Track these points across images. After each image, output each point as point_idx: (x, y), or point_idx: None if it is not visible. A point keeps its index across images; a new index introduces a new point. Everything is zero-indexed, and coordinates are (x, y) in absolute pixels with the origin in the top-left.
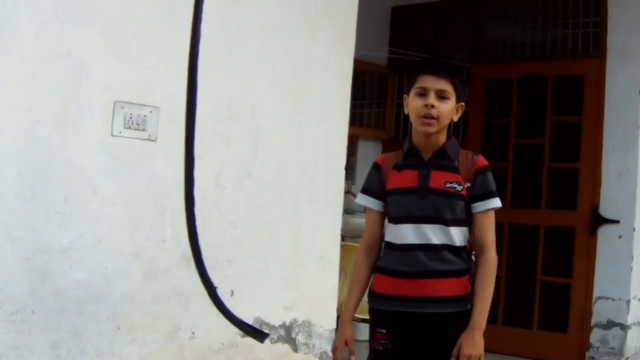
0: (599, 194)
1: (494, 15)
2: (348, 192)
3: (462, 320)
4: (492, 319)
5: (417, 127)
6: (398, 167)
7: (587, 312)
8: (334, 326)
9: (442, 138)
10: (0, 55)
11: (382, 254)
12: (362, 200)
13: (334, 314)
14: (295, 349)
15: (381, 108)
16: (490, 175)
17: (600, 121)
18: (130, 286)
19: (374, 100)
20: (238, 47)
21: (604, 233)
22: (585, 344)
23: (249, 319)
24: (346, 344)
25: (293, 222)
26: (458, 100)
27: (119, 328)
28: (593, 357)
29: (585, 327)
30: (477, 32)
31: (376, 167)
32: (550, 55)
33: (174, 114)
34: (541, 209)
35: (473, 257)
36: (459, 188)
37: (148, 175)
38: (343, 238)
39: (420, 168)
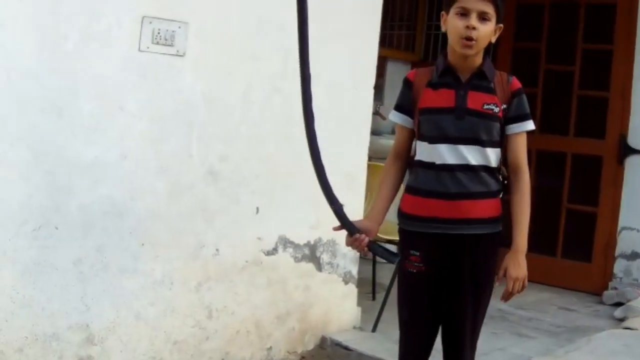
0: (627, 124)
1: None
2: (376, 113)
3: (495, 241)
4: None
5: (457, 48)
6: (433, 86)
7: (612, 242)
8: None
9: (479, 59)
10: None
11: (411, 173)
12: (395, 117)
13: None
14: (319, 268)
15: (411, 30)
16: (524, 98)
17: (631, 50)
18: (155, 202)
19: (404, 21)
20: None
21: (632, 163)
22: (608, 274)
23: (273, 237)
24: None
25: (320, 140)
26: (498, 21)
27: (142, 244)
28: (616, 288)
29: (609, 257)
30: None
31: (407, 83)
32: None
33: (202, 30)
34: (569, 136)
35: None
36: (496, 110)
37: (175, 91)
38: (370, 158)
39: (458, 88)
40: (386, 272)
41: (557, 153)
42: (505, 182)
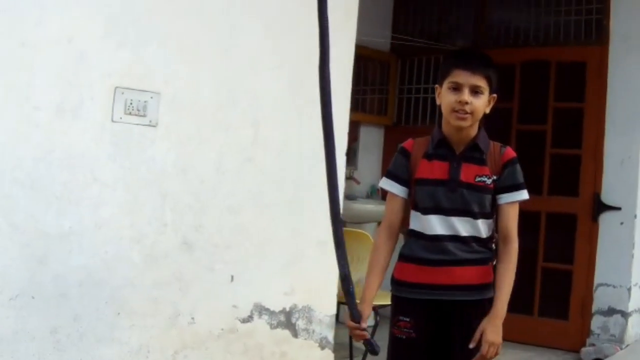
0: (600, 181)
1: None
2: (350, 177)
3: (485, 307)
4: None
5: (451, 121)
6: (429, 157)
7: (588, 299)
8: (334, 312)
9: (473, 131)
10: (1, 41)
11: (405, 242)
12: (387, 184)
13: (334, 300)
14: (295, 334)
15: (384, 94)
16: (518, 167)
17: (602, 108)
18: (131, 271)
19: (377, 86)
20: (240, 34)
21: (606, 220)
22: (586, 331)
23: (249, 305)
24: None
25: (293, 208)
26: (491, 92)
27: (118, 313)
28: (594, 344)
29: (586, 314)
30: (480, 16)
31: (404, 152)
32: (553, 41)
33: (174, 100)
34: (543, 195)
35: (494, 245)
36: (488, 182)
37: (148, 161)
38: (344, 224)
39: (451, 160)
40: (378, 336)
41: (531, 212)
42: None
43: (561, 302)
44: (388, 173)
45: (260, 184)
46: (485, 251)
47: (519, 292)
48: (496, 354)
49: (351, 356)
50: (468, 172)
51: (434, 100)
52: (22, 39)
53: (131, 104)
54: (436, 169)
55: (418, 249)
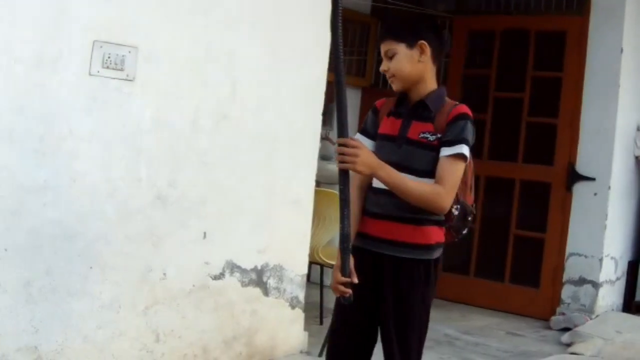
0: (575, 151)
1: None
2: (325, 138)
3: (423, 268)
4: (464, 270)
5: None
6: (389, 114)
7: (560, 268)
8: (305, 271)
9: (427, 87)
10: None
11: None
12: (359, 138)
13: (306, 259)
14: (266, 292)
15: (362, 56)
16: (462, 124)
17: (580, 78)
18: (104, 226)
19: (356, 47)
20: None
21: (580, 190)
22: (556, 300)
23: (221, 261)
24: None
25: (268, 166)
26: (410, 44)
27: (91, 267)
28: (564, 313)
29: (557, 283)
30: None
31: (374, 110)
32: (534, 9)
33: (152, 55)
34: (518, 162)
35: (455, 212)
36: (431, 138)
37: (125, 115)
38: (318, 184)
39: (404, 117)
40: (333, 296)
41: (506, 179)
42: (458, 212)
43: (532, 270)
44: (361, 129)
45: (236, 142)
46: (423, 211)
47: (491, 259)
48: (343, 166)
49: (321, 316)
50: (415, 129)
51: None
52: None
53: (109, 57)
54: (391, 125)
55: (369, 202)
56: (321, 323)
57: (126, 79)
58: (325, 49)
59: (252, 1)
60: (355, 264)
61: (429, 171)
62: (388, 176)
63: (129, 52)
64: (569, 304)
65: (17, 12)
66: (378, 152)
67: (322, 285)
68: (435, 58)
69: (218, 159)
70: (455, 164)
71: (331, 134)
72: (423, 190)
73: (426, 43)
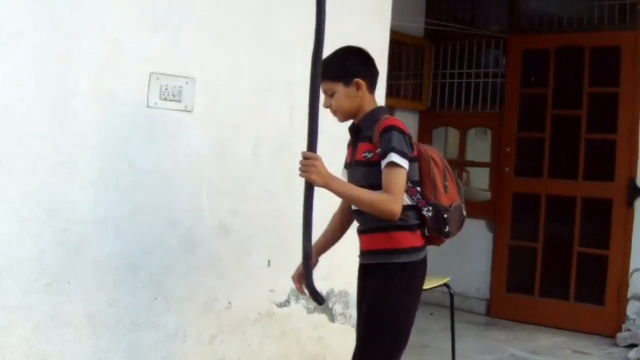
0: (636, 166)
1: None
2: None
3: (389, 271)
4: (529, 290)
5: None
6: (348, 144)
7: (624, 284)
8: None
9: (364, 112)
10: (35, 29)
11: None
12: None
13: None
14: (332, 319)
15: (418, 79)
16: (387, 136)
17: (637, 92)
18: (167, 256)
19: (411, 71)
20: (276, 19)
21: None
22: (621, 316)
23: (286, 289)
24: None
25: (329, 193)
26: (346, 82)
27: (155, 298)
28: (629, 329)
29: (622, 299)
30: (514, 2)
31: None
32: (587, 26)
33: (209, 85)
34: (578, 180)
35: (428, 213)
36: (369, 156)
37: (184, 146)
38: None
39: (353, 143)
40: None
41: (567, 197)
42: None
43: (597, 287)
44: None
45: (296, 169)
46: (383, 220)
47: (555, 278)
48: (302, 175)
49: None
50: (360, 150)
51: (468, 85)
52: (57, 25)
53: (166, 89)
54: (348, 154)
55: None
56: None
57: (184, 110)
58: (383, 67)
59: (306, 29)
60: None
61: (378, 184)
62: (340, 187)
63: (186, 83)
64: (634, 319)
65: (72, 45)
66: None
67: None
68: (371, 86)
69: (279, 187)
70: (391, 171)
71: None
72: (372, 198)
73: (360, 79)
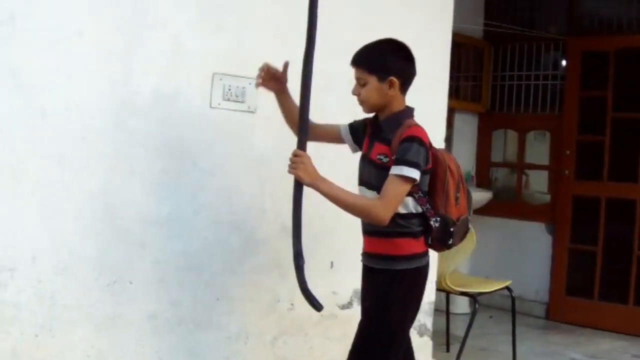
0: None
1: None
2: None
3: (388, 278)
4: (588, 294)
5: None
6: (368, 134)
7: None
8: (433, 299)
9: (391, 111)
10: (97, 29)
11: None
12: (343, 126)
13: (433, 286)
14: None
15: (477, 81)
16: (407, 146)
17: None
18: (230, 257)
19: (470, 73)
20: (338, 18)
21: None
22: None
23: (348, 290)
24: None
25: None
26: (380, 77)
27: (217, 299)
28: None
29: None
30: (573, 3)
31: (365, 123)
32: None
33: None
34: (638, 183)
35: (435, 224)
36: (385, 160)
37: (247, 147)
38: None
39: (370, 138)
40: (460, 323)
41: (626, 200)
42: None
43: None
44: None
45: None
46: (393, 225)
47: (614, 281)
48: (290, 172)
49: (447, 343)
50: (376, 150)
51: (528, 87)
52: (118, 24)
53: (229, 89)
54: (365, 145)
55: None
56: (447, 350)
57: (247, 111)
58: (444, 72)
59: (370, 27)
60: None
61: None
62: (328, 188)
63: (249, 83)
64: None
65: (134, 44)
66: (358, 170)
67: (448, 313)
68: (404, 86)
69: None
70: (396, 181)
71: None
72: (361, 203)
73: (395, 78)
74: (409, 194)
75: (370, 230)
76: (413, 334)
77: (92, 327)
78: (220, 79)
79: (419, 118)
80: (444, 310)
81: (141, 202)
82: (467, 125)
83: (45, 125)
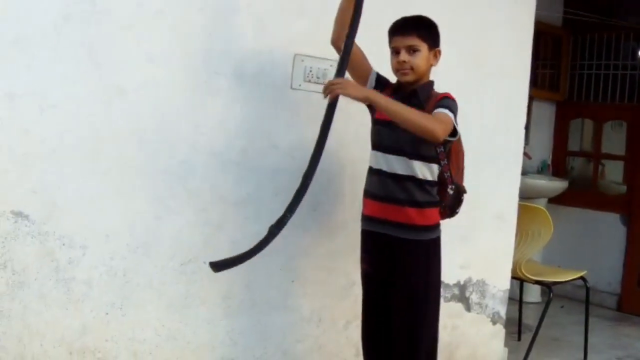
0: None
1: None
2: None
3: (424, 247)
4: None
5: (398, 77)
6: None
7: None
8: (508, 287)
9: (423, 81)
10: (178, 7)
11: (366, 178)
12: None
13: (509, 275)
14: (468, 308)
15: (555, 69)
16: (448, 101)
17: None
18: (306, 240)
19: (549, 61)
20: (418, 9)
21: None
22: None
23: None
24: None
25: (472, 181)
26: (431, 47)
27: (292, 281)
28: None
29: None
30: None
31: (385, 82)
32: None
33: None
34: None
35: (450, 191)
36: None
37: None
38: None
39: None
40: (532, 312)
41: None
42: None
43: None
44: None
45: None
46: (421, 193)
47: None
48: (333, 93)
49: (519, 332)
50: None
51: (606, 77)
52: (200, 4)
53: (310, 71)
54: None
55: (371, 184)
56: (519, 339)
57: None
58: (526, 60)
59: (451, 14)
60: (363, 247)
61: (418, 154)
62: (386, 101)
63: (331, 65)
64: None
65: (216, 25)
66: (374, 135)
67: (521, 301)
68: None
69: None
70: (447, 116)
71: (527, 148)
72: (421, 115)
73: (440, 51)
74: (436, 161)
75: (395, 198)
76: (486, 322)
77: (164, 306)
78: (302, 61)
79: (500, 105)
80: (515, 299)
81: (220, 182)
82: (544, 113)
83: (122, 104)
